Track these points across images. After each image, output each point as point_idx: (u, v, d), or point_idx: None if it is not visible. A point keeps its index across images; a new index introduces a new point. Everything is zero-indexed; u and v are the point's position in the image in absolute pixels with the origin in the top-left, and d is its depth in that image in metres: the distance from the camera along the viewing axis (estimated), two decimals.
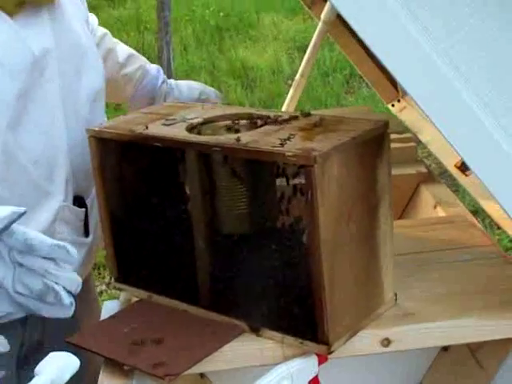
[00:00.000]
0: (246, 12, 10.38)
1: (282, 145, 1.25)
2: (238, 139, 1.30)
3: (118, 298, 1.58)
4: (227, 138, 1.32)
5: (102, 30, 2.04)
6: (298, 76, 2.85)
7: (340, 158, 1.23)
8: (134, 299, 1.53)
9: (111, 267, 1.54)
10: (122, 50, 2.09)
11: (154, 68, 2.15)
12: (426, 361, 1.65)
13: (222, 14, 10.17)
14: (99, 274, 4.09)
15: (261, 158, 1.27)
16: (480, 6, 1.16)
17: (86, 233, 1.69)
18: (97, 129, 1.46)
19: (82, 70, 1.65)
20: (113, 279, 1.55)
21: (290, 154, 1.21)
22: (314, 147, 1.22)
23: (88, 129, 1.47)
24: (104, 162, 1.48)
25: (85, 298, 1.67)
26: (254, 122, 1.43)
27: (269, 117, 1.42)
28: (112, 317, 1.47)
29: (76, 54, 1.64)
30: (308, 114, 1.41)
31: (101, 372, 1.34)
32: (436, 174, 2.22)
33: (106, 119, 1.71)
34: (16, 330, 1.59)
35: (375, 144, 1.31)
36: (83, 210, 1.65)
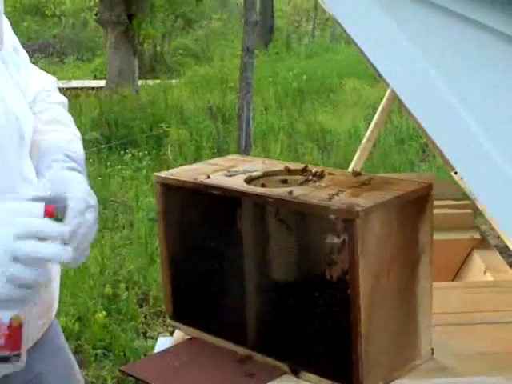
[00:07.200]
0: (328, 77, 10.58)
1: (329, 199, 1.35)
2: (290, 192, 1.40)
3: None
4: (281, 191, 1.43)
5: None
6: (364, 140, 2.97)
7: (382, 215, 1.33)
8: (187, 336, 1.63)
9: (167, 306, 1.65)
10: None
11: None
12: None
13: (304, 77, 10.39)
14: (164, 321, 4.20)
15: (309, 211, 1.37)
16: None
17: None
18: (163, 175, 1.58)
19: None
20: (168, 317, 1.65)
21: (335, 207, 1.31)
22: (358, 203, 1.31)
23: (155, 174, 1.60)
24: (167, 207, 1.60)
25: (45, 349, 1.55)
26: (308, 178, 1.53)
27: (322, 173, 1.52)
28: (164, 351, 1.57)
29: None
30: (358, 174, 1.51)
31: None
32: (489, 241, 2.29)
33: None
34: None
35: (418, 204, 1.39)
36: None
